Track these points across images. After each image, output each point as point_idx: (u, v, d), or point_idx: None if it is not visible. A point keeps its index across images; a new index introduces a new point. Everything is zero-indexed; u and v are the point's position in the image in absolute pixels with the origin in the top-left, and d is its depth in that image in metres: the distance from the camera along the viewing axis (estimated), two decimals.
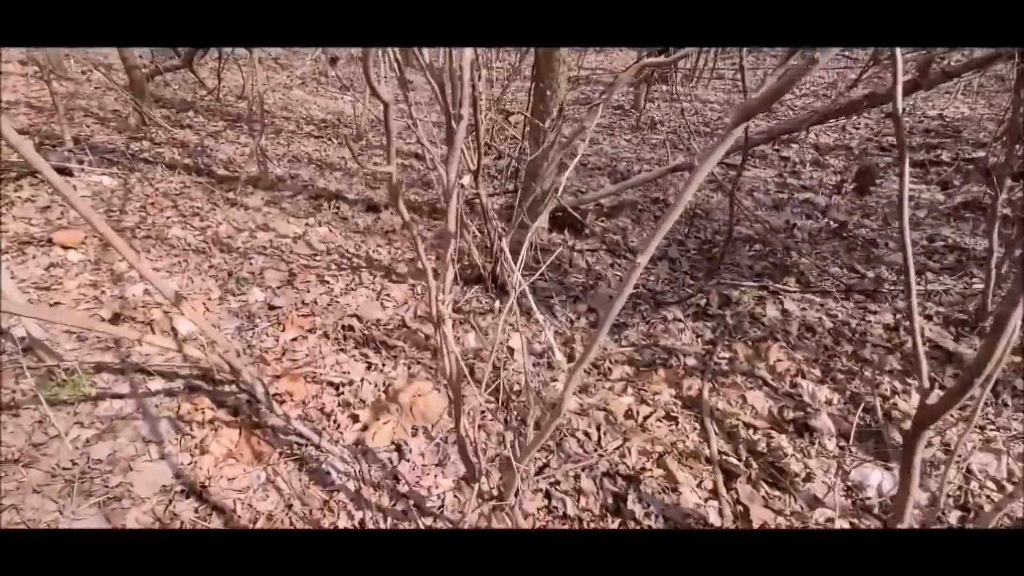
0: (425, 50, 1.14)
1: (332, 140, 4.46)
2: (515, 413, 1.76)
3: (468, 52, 0.86)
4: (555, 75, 2.36)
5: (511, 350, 2.06)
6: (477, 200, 2.08)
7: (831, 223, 3.50)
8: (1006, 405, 1.97)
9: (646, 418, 1.78)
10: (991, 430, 1.86)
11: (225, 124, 4.41)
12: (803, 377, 2.03)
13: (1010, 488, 1.62)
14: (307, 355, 1.92)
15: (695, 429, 1.77)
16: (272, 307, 2.16)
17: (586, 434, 1.71)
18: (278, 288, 2.28)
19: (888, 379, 2.05)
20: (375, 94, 0.69)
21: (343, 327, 2.09)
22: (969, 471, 1.67)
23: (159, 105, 4.57)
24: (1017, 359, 2.10)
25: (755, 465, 1.64)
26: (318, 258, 2.58)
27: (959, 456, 1.73)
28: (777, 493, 1.57)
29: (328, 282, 2.38)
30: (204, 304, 2.12)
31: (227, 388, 1.71)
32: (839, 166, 4.63)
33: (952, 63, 2.30)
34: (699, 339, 2.25)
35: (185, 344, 1.47)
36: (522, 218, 2.25)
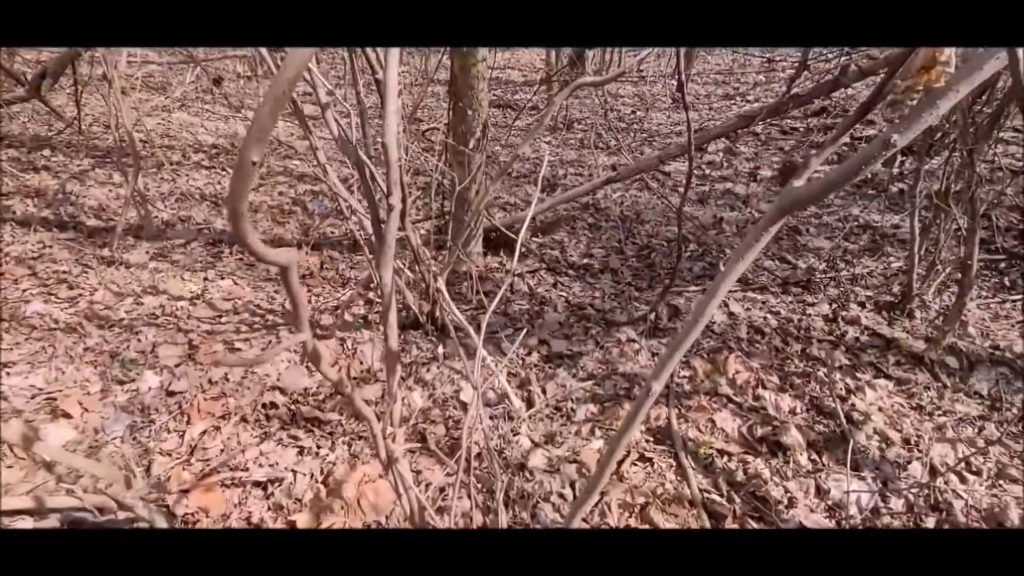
0: (343, 124, 0.90)
1: (227, 170, 3.98)
2: (480, 485, 1.56)
3: (392, 124, 0.65)
4: (475, 93, 2.16)
5: (463, 405, 1.85)
6: (406, 239, 1.84)
7: (754, 213, 3.59)
8: (946, 387, 2.05)
9: (620, 464, 1.65)
10: (938, 415, 1.92)
11: (92, 162, 3.79)
12: (763, 388, 1.99)
13: (971, 479, 1.66)
14: (222, 451, 1.61)
15: (671, 467, 1.66)
16: (171, 393, 1.81)
17: (561, 496, 1.55)
18: (176, 367, 1.92)
19: (840, 376, 2.07)
20: (265, 260, 0.47)
21: (264, 406, 1.78)
22: (933, 467, 1.70)
23: (5, 145, 3.85)
24: (949, 340, 2.19)
25: (737, 500, 1.56)
26: (224, 320, 2.22)
27: (920, 451, 1.75)
28: (758, 524, 1.49)
29: (240, 350, 2.04)
30: (80, 402, 1.73)
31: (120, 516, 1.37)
32: (749, 152, 4.81)
33: (865, 61, 2.37)
34: (656, 357, 2.16)
35: (50, 484, 1.14)
36: (457, 253, 2.05)
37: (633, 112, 6.28)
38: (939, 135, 2.37)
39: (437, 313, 2.11)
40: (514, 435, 1.74)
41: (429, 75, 3.46)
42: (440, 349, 2.10)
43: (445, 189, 2.82)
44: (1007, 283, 2.69)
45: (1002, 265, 2.83)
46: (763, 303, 2.56)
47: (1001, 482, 1.65)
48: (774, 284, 2.71)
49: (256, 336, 2.13)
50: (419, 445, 1.66)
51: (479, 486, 1.55)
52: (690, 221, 3.42)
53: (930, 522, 1.52)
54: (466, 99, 2.15)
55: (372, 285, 2.40)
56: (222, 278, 2.52)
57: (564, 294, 2.59)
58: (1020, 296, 2.56)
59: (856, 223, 3.39)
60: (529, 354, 2.14)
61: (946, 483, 1.64)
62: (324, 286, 2.51)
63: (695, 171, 4.39)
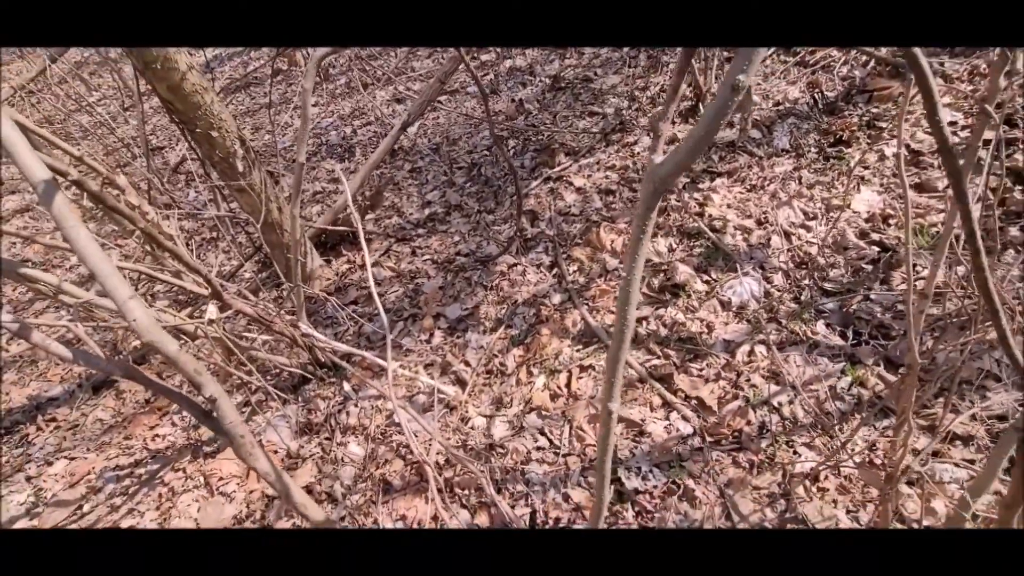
0: None
1: None
2: (465, 489, 1.52)
3: None
4: (205, 109, 1.76)
5: (396, 425, 1.74)
6: (240, 312, 1.56)
7: (545, 80, 3.58)
8: (761, 158, 2.32)
9: (568, 386, 1.69)
10: (768, 185, 2.18)
11: None
12: (651, 238, 2.10)
13: (812, 225, 1.94)
14: None
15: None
16: None
17: (539, 449, 1.56)
18: None
19: (687, 195, 2.24)
20: None
21: None
22: (786, 231, 1.95)
23: None
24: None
25: (672, 352, 1.69)
26: None
27: (771, 223, 2.00)
28: (699, 362, 1.64)
29: None
30: None
31: None
32: None
33: None
34: (541, 268, 2.18)
35: None
36: (299, 286, 1.79)
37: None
38: None
39: (319, 356, 1.89)
40: (466, 422, 1.69)
41: (138, 100, 2.79)
42: (346, 385, 1.91)
43: (241, 222, 2.42)
44: None
45: None
46: (597, 163, 2.64)
47: (831, 215, 1.95)
48: (597, 141, 2.78)
49: None
50: (385, 497, 1.55)
51: (465, 491, 1.51)
52: (495, 117, 3.33)
53: (803, 276, 1.77)
54: (199, 121, 1.76)
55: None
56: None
57: (428, 256, 2.46)
58: (774, 49, 2.89)
59: (630, 51, 3.53)
60: (430, 336, 2.04)
61: (799, 239, 1.91)
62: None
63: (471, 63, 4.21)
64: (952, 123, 2.09)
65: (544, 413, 1.64)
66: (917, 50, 0.46)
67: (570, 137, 2.90)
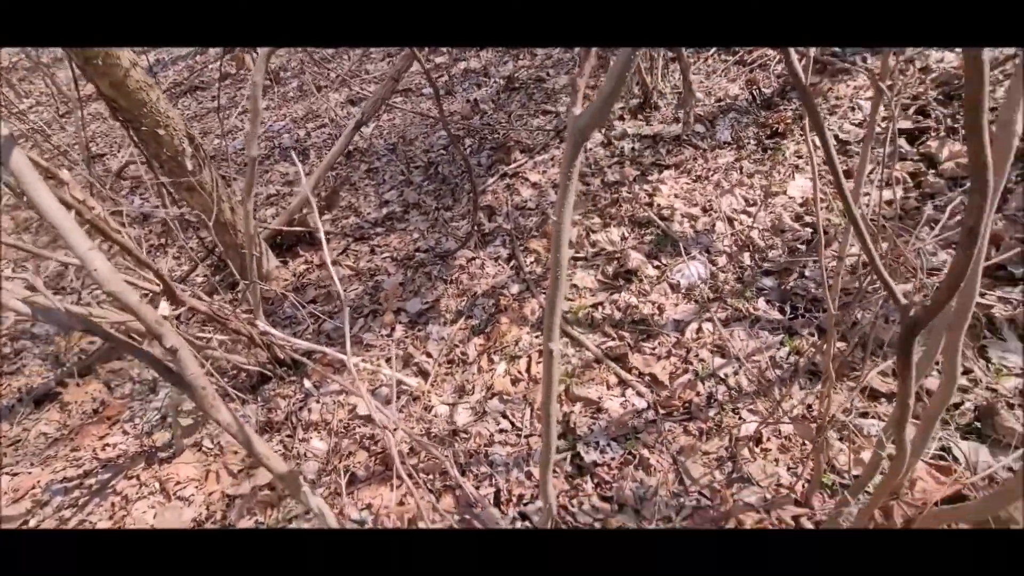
0: None
1: None
2: (430, 474, 1.54)
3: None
4: (151, 106, 1.73)
5: (367, 419, 1.75)
6: (193, 311, 1.54)
7: (499, 81, 3.65)
8: (705, 150, 2.44)
9: (528, 369, 1.74)
10: (712, 176, 2.30)
11: None
12: (593, 232, 2.18)
13: (752, 211, 2.06)
14: None
15: (567, 343, 1.79)
16: None
17: (502, 431, 1.60)
18: None
19: (638, 187, 2.34)
20: None
21: None
22: (729, 217, 2.07)
23: None
24: None
25: (626, 334, 1.76)
26: None
27: (715, 211, 2.11)
28: (651, 342, 1.72)
29: None
30: None
31: None
32: None
33: None
34: (499, 261, 2.22)
35: None
36: (255, 284, 1.77)
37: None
38: None
39: (278, 354, 1.88)
40: (429, 411, 1.71)
41: (77, 103, 2.69)
42: (307, 383, 1.90)
43: (192, 224, 2.37)
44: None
45: None
46: (551, 159, 2.72)
47: (769, 201, 2.08)
48: (551, 139, 2.86)
49: None
50: (350, 488, 1.55)
51: (430, 476, 1.53)
52: (451, 119, 3.37)
53: (745, 258, 1.88)
54: (145, 119, 1.72)
55: None
56: None
57: (387, 254, 2.46)
58: (715, 49, 3.05)
59: (581, 52, 3.64)
60: (392, 331, 2.05)
61: (741, 224, 2.03)
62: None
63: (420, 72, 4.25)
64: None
65: (506, 397, 1.68)
66: (795, 59, 0.52)
67: (525, 135, 2.97)
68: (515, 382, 1.72)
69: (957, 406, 1.32)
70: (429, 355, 1.90)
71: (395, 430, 1.59)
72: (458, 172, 2.87)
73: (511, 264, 2.18)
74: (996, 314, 1.47)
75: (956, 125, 2.05)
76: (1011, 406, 1.26)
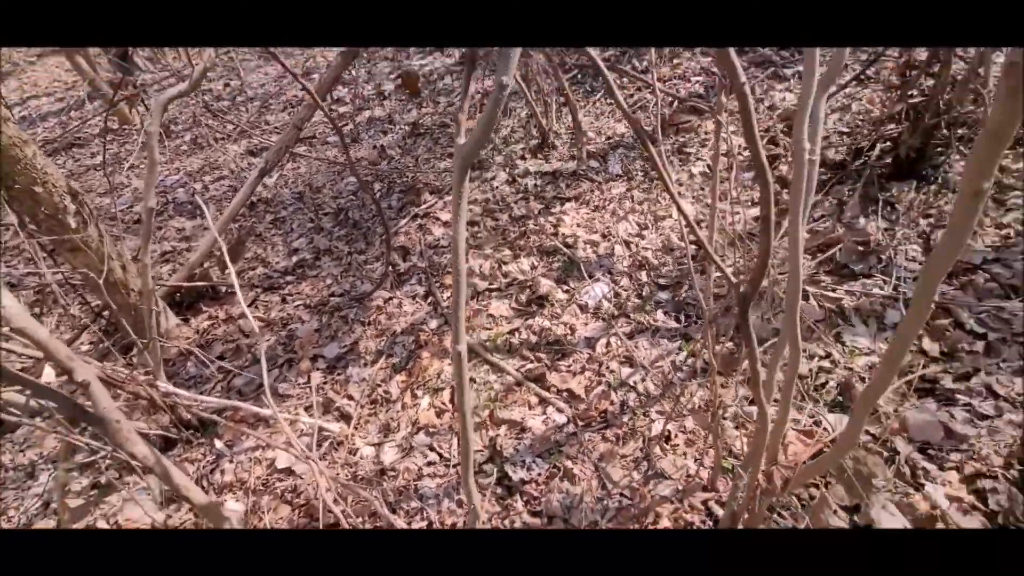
0: None
1: None
2: (362, 518, 1.50)
3: None
4: (26, 162, 1.61)
5: (288, 471, 1.67)
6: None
7: (404, 128, 3.76)
8: (600, 183, 2.67)
9: (452, 402, 1.77)
10: (607, 205, 2.52)
11: None
12: (504, 264, 2.29)
13: (646, 234, 2.28)
14: None
15: (487, 369, 1.85)
16: None
17: (429, 464, 1.60)
18: None
19: (543, 219, 2.50)
20: None
21: None
22: (626, 240, 2.26)
23: None
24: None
25: (544, 356, 1.85)
26: None
27: (614, 236, 2.31)
28: (566, 360, 1.82)
29: None
30: None
31: None
32: (361, 75, 4.86)
33: None
34: (416, 299, 2.26)
35: None
36: (153, 342, 1.66)
37: (226, 85, 5.58)
38: None
39: (183, 415, 1.76)
40: (354, 454, 1.68)
41: None
42: (218, 443, 1.79)
43: (77, 286, 2.19)
44: (590, 88, 3.51)
45: (582, 77, 3.64)
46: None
47: (659, 224, 2.31)
48: None
49: None
50: None
51: (360, 519, 1.49)
52: (359, 165, 3.41)
53: (642, 275, 2.07)
54: (21, 178, 1.61)
55: None
56: None
57: (299, 302, 2.41)
58: (601, 93, 3.38)
59: (482, 97, 3.86)
60: (308, 378, 1.99)
61: (636, 246, 2.23)
62: None
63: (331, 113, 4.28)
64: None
65: (431, 430, 1.69)
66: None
67: (433, 177, 3.07)
68: (440, 414, 1.74)
69: (824, 384, 1.53)
70: (351, 398, 1.87)
71: (320, 475, 1.54)
72: (369, 216, 2.90)
73: (428, 300, 2.22)
74: (845, 304, 1.74)
75: None
76: (863, 379, 1.49)
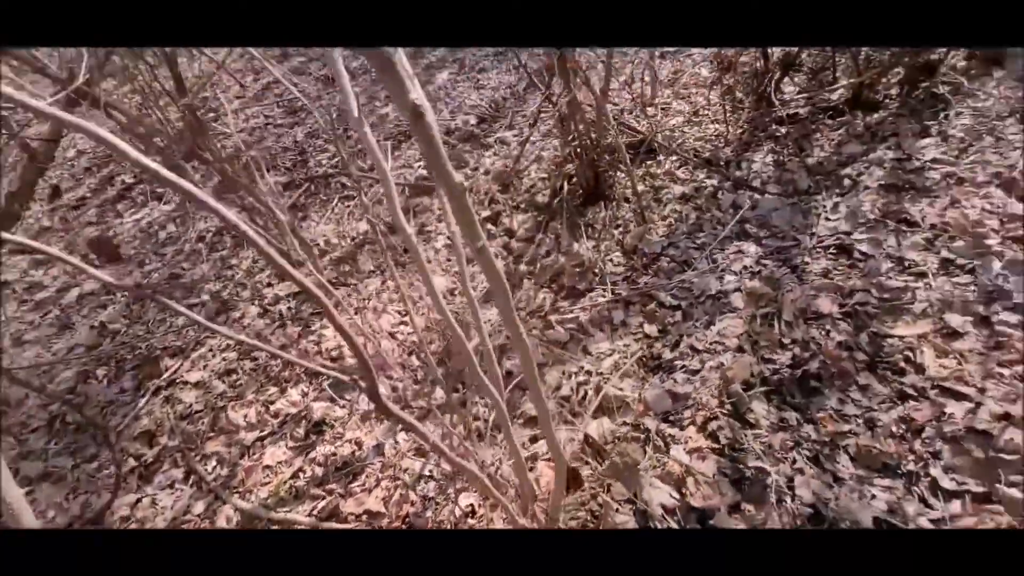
0: None
1: None
2: None
3: None
4: None
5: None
6: None
7: (124, 295, 3.27)
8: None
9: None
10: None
11: None
12: (272, 404, 2.08)
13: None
14: None
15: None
16: None
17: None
18: None
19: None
20: None
21: None
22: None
23: None
24: None
25: (335, 486, 1.69)
26: None
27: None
28: (360, 479, 1.70)
29: None
30: None
31: None
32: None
33: None
34: (175, 486, 1.89)
35: None
36: None
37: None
38: None
39: None
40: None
41: None
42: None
43: None
44: (325, 197, 3.53)
45: (315, 189, 3.65)
46: (209, 350, 2.53)
47: (417, 305, 2.37)
48: (203, 331, 2.67)
49: None
50: None
51: None
52: (74, 356, 2.83)
53: (414, 360, 2.07)
54: None
55: None
56: None
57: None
58: (338, 198, 3.43)
59: (213, 236, 3.60)
60: None
61: (402, 335, 2.24)
62: None
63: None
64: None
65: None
66: None
67: (173, 338, 2.70)
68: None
69: (585, 396, 1.68)
70: None
71: None
72: (95, 410, 2.39)
73: (190, 482, 1.88)
74: (582, 319, 1.98)
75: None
76: (606, 380, 1.68)
